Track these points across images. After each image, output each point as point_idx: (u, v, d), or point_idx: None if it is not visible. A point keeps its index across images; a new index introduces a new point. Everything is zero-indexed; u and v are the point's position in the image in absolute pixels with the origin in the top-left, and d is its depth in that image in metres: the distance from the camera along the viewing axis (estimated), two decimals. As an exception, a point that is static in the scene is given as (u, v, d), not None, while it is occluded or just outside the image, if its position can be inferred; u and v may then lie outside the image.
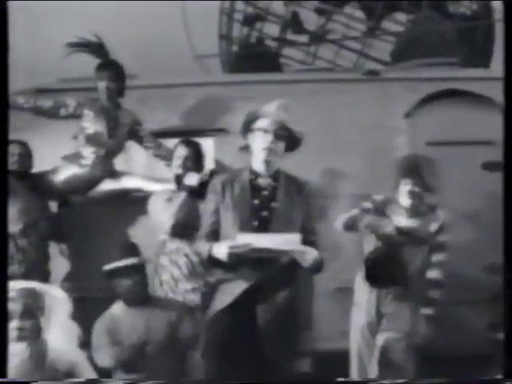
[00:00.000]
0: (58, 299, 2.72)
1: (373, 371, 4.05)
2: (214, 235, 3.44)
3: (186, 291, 4.15)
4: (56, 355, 2.66)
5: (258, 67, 8.87)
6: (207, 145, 4.81)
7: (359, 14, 11.91)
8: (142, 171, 4.85)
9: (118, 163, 4.80)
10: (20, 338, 2.60)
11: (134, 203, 4.62)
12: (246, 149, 3.78)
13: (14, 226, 4.22)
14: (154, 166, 4.86)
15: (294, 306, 3.51)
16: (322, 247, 3.63)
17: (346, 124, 5.23)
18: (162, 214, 4.33)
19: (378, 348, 4.00)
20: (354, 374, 4.14)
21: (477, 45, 10.49)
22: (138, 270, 3.88)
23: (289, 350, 3.54)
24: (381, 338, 4.03)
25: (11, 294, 2.65)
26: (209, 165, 4.64)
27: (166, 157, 4.62)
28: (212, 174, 4.31)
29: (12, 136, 4.67)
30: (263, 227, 3.39)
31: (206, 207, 3.60)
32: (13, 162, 4.35)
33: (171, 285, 4.20)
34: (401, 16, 11.53)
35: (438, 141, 5.18)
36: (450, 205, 4.37)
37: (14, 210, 4.19)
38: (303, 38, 11.48)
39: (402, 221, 4.04)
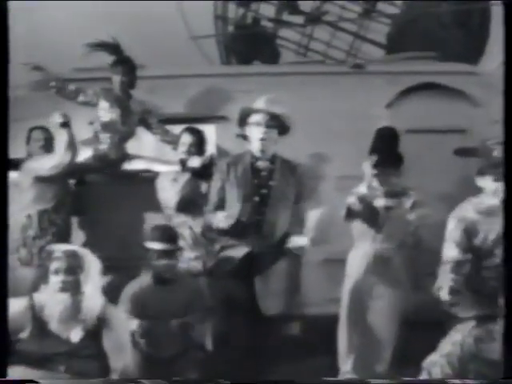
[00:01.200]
0: (92, 261, 3.27)
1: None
2: (221, 208, 3.99)
3: (190, 259, 4.52)
4: (90, 306, 3.22)
5: (254, 48, 9.66)
6: (209, 131, 5.18)
7: None
8: (150, 154, 5.28)
9: (130, 147, 5.23)
10: (63, 290, 3.16)
11: (144, 182, 5.02)
12: (242, 136, 4.32)
13: (48, 203, 4.75)
14: (161, 150, 5.27)
15: (286, 274, 4.02)
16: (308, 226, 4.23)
17: (333, 112, 5.54)
18: (168, 192, 4.74)
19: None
20: (342, 338, 4.45)
21: (472, 27, 10.30)
22: (172, 256, 4.03)
23: (281, 311, 4.02)
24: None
25: (56, 254, 3.20)
26: (211, 149, 5.03)
27: (172, 142, 5.05)
28: (212, 157, 4.78)
29: (34, 122, 5.22)
30: (263, 202, 3.99)
31: (213, 184, 4.17)
32: (40, 147, 4.87)
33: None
34: None
35: (415, 129, 5.53)
36: (424, 187, 4.73)
37: (47, 189, 4.74)
38: (299, 19, 11.45)
39: (381, 201, 4.44)
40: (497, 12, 9.33)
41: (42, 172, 4.71)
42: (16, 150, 5.10)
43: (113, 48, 5.11)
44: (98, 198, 5.04)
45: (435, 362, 2.92)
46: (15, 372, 3.09)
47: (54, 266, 3.18)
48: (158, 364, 3.76)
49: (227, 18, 11.44)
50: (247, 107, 4.17)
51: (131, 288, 3.94)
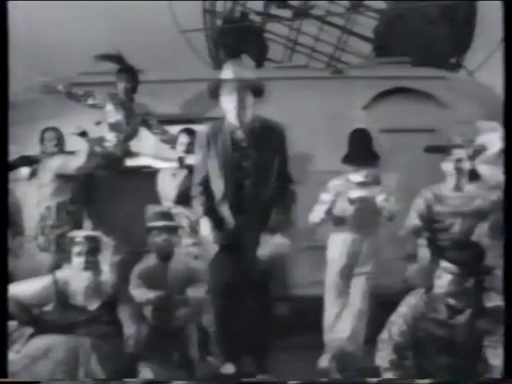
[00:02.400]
0: (108, 244, 3.86)
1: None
2: (205, 185, 4.03)
3: (188, 245, 5.04)
4: (107, 281, 3.81)
5: (242, 42, 9.70)
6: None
7: None
8: (151, 152, 5.78)
9: (133, 145, 5.76)
10: (86, 269, 3.75)
11: (145, 177, 5.53)
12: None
13: (65, 196, 5.34)
14: (160, 148, 5.76)
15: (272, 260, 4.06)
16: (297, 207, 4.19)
17: (315, 114, 6.07)
18: (167, 186, 5.30)
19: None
20: (327, 315, 4.77)
21: (459, 22, 10.50)
22: (171, 231, 4.45)
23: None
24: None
25: (78, 239, 3.79)
26: None
27: (170, 141, 5.57)
28: None
29: (46, 123, 5.76)
30: (245, 176, 3.95)
31: (196, 160, 4.17)
32: (54, 145, 5.44)
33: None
34: None
35: (389, 128, 6.07)
36: (397, 180, 5.27)
37: (65, 184, 5.31)
38: (287, 14, 11.40)
39: (356, 192, 4.75)
40: (482, 7, 10.38)
41: (66, 171, 5.30)
42: (30, 148, 5.74)
43: (117, 59, 5.65)
44: (104, 191, 5.54)
45: (394, 322, 3.54)
46: (42, 340, 3.66)
47: (76, 249, 3.77)
48: (163, 336, 4.18)
49: (216, 11, 11.37)
50: (215, 79, 4.11)
51: (138, 267, 4.42)
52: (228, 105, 3.99)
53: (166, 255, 4.43)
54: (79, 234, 3.82)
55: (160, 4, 10.47)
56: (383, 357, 3.49)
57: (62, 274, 3.81)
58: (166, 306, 4.21)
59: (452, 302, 3.39)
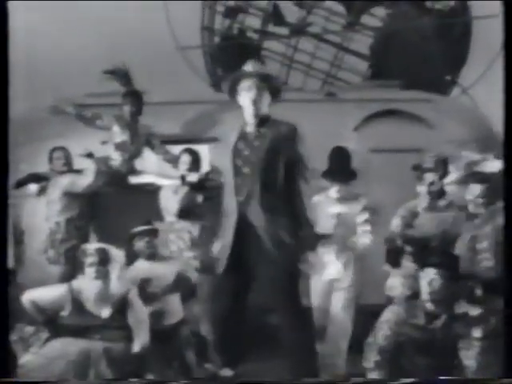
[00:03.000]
0: (117, 255, 4.20)
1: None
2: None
3: (189, 258, 5.31)
4: (116, 290, 4.15)
5: (239, 59, 9.79)
6: (203, 150, 5.95)
7: (339, 7, 11.75)
8: (154, 170, 6.08)
9: (137, 164, 6.09)
10: (97, 278, 4.09)
11: (149, 193, 5.78)
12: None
13: (73, 212, 5.68)
14: (162, 167, 6.07)
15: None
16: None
17: (310, 134, 6.49)
18: (169, 202, 5.55)
19: None
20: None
21: (453, 41, 10.78)
22: (151, 234, 4.90)
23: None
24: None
25: (89, 251, 4.14)
26: (205, 165, 5.83)
27: (172, 161, 5.90)
28: (208, 173, 5.65)
29: (54, 142, 6.09)
30: (252, 172, 3.81)
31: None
32: (63, 164, 5.78)
33: (177, 254, 5.34)
34: (380, 11, 11.57)
35: (379, 148, 6.40)
36: (384, 197, 5.54)
37: (73, 201, 5.64)
38: (284, 31, 11.48)
39: (336, 208, 4.94)
40: (477, 26, 10.84)
41: (75, 189, 5.67)
42: (38, 166, 6.07)
43: (123, 75, 6.01)
44: (109, 206, 5.86)
45: (378, 327, 3.88)
46: (57, 342, 4.00)
47: (88, 260, 4.12)
48: (161, 336, 4.45)
49: (214, 29, 11.45)
50: (238, 72, 4.05)
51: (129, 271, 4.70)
52: (245, 101, 3.95)
53: (150, 255, 4.79)
54: (91, 247, 4.17)
55: (159, 21, 10.64)
56: (369, 359, 3.82)
57: (77, 282, 4.15)
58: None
59: (430, 308, 3.74)
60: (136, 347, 4.02)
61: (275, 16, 11.62)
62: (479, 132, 6.81)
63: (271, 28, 11.66)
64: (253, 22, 11.72)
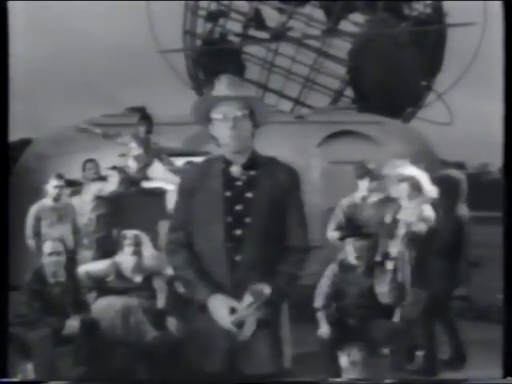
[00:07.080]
0: (146, 239, 5.91)
1: None
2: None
3: None
4: (147, 264, 5.85)
5: (221, 62, 10.44)
6: None
7: (319, 13, 12.26)
8: (162, 177, 7.66)
9: (149, 172, 7.68)
10: (133, 254, 5.75)
11: (158, 196, 7.36)
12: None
13: (102, 210, 7.36)
14: (168, 175, 7.66)
15: None
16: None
17: (280, 150, 8.04)
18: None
19: None
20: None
21: (428, 48, 11.37)
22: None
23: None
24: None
25: (128, 235, 5.81)
26: None
27: (175, 171, 7.54)
28: None
29: (84, 156, 7.76)
30: (238, 222, 2.97)
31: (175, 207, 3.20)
32: (95, 173, 7.46)
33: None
34: (358, 17, 12.24)
35: (337, 161, 8.03)
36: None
37: (102, 202, 7.33)
38: (265, 35, 12.10)
39: None
40: (452, 34, 11.51)
41: (103, 194, 7.36)
42: (71, 174, 7.74)
43: (141, 110, 7.69)
44: (127, 206, 7.52)
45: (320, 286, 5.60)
46: (104, 300, 5.67)
47: (127, 242, 5.80)
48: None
49: (195, 32, 11.88)
50: (207, 97, 3.27)
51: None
52: (222, 132, 2.99)
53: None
54: (129, 233, 5.86)
55: (141, 24, 11.26)
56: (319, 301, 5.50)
57: (118, 257, 5.83)
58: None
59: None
60: (159, 303, 5.70)
61: (256, 20, 11.94)
62: (415, 148, 8.51)
63: (252, 32, 12.14)
64: (234, 26, 12.15)
